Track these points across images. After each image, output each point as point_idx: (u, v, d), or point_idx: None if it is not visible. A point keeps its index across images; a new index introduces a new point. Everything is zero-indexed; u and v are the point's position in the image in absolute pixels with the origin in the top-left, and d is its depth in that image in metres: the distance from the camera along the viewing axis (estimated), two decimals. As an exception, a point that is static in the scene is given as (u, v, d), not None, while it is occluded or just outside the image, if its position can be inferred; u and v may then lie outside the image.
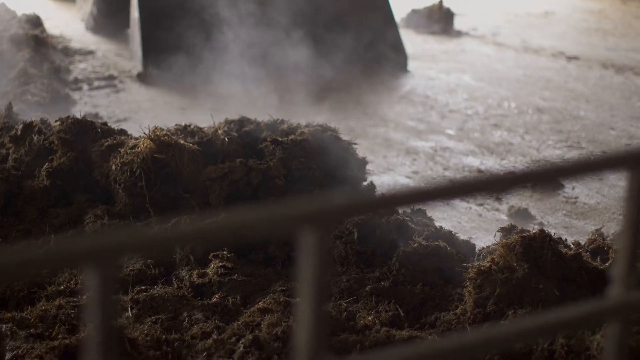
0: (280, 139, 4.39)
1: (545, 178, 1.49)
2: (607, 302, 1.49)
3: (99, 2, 10.14)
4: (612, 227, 5.27)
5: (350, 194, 1.16)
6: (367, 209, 1.16)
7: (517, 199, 5.61)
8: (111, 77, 8.35)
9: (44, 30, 9.32)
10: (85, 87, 8.03)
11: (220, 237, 1.09)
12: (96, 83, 8.16)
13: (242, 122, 4.65)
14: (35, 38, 8.25)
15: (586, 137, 7.15)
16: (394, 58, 8.97)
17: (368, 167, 4.73)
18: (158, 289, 3.70)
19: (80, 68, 8.69)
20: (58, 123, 4.69)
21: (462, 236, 4.48)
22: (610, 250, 3.66)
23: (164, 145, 4.27)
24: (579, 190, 5.83)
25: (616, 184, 5.97)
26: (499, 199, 5.60)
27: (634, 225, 1.46)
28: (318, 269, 1.13)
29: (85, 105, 7.43)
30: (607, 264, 3.59)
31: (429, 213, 4.59)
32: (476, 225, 5.17)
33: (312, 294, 1.14)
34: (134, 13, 8.36)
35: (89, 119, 5.09)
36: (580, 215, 5.43)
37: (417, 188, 1.16)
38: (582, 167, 1.50)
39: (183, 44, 8.00)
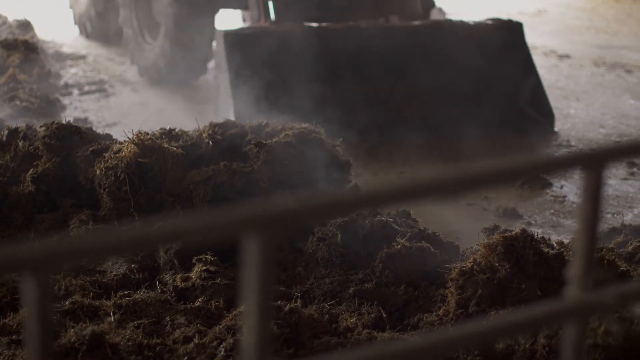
0: (264, 142, 4.39)
1: (502, 179, 1.49)
2: (563, 303, 1.49)
3: (98, 6, 9.92)
4: (600, 225, 5.26)
5: (295, 198, 1.16)
6: (314, 214, 1.16)
7: (505, 198, 5.61)
8: (102, 82, 8.35)
9: (34, 36, 9.31)
10: (75, 91, 8.03)
11: (165, 242, 1.09)
12: (86, 87, 8.16)
13: (227, 125, 4.64)
14: (26, 43, 8.25)
15: (576, 135, 7.15)
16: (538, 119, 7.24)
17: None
18: (141, 293, 3.70)
19: (71, 73, 8.69)
20: (43, 129, 4.69)
21: (449, 237, 4.48)
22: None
23: (148, 149, 4.27)
24: (567, 189, 5.83)
25: (604, 182, 5.96)
26: (487, 198, 5.60)
27: (590, 226, 1.46)
28: (261, 275, 1.12)
29: (75, 110, 7.43)
30: (589, 263, 3.58)
31: (414, 214, 4.59)
32: (463, 225, 5.17)
33: (256, 300, 1.14)
34: (224, 74, 6.79)
35: (74, 124, 5.10)
36: (567, 214, 5.43)
37: (368, 192, 1.16)
38: (538, 167, 1.50)
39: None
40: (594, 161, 1.42)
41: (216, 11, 8.21)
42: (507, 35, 7.39)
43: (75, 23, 10.59)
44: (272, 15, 7.41)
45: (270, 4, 7.41)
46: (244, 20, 10.31)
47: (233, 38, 6.74)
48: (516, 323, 1.47)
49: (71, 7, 10.77)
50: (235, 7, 8.81)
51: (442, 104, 7.01)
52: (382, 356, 1.34)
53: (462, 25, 7.49)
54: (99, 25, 10.11)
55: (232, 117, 6.18)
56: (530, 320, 1.47)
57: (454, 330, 1.43)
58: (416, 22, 7.48)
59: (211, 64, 8.15)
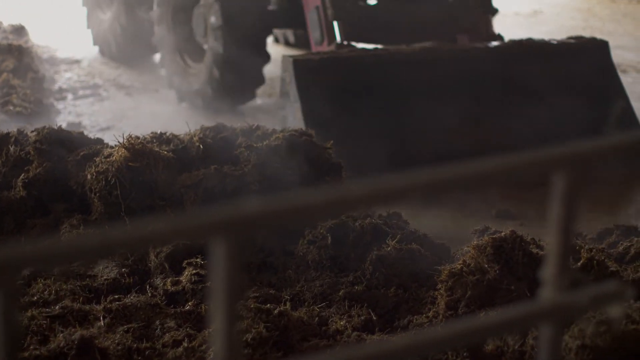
0: (255, 145, 4.39)
1: (479, 181, 1.48)
2: (539, 304, 1.49)
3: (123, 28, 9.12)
4: (594, 225, 5.26)
5: (262, 202, 1.16)
6: (281, 218, 1.16)
7: (499, 199, 5.60)
8: (96, 86, 8.35)
9: (28, 40, 9.32)
10: (69, 96, 8.03)
11: (129, 248, 1.09)
12: (81, 92, 8.15)
13: (218, 128, 4.64)
14: (19, 48, 8.25)
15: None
16: None
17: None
18: (131, 297, 3.70)
19: (65, 77, 8.69)
20: (34, 134, 4.70)
21: (441, 238, 4.48)
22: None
23: (139, 153, 4.27)
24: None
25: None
26: (480, 199, 5.59)
27: (563, 227, 1.46)
28: (228, 278, 1.12)
29: (69, 114, 7.43)
30: (578, 264, 3.59)
31: (406, 215, 4.59)
32: (456, 226, 5.16)
33: (222, 303, 1.14)
34: (294, 104, 6.09)
35: (67, 128, 5.10)
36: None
37: (333, 195, 1.16)
38: (509, 168, 1.50)
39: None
40: (568, 162, 1.42)
41: (268, 33, 7.80)
42: (593, 55, 6.92)
43: (95, 43, 9.68)
44: (338, 37, 6.77)
45: (336, 25, 6.79)
46: (277, 39, 9.69)
47: (303, 65, 6.09)
48: (491, 325, 1.47)
49: (89, 27, 9.75)
50: (289, 28, 8.33)
51: (526, 131, 6.32)
52: (357, 357, 1.34)
53: (545, 46, 6.92)
54: (125, 45, 9.23)
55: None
56: (505, 322, 1.47)
57: (428, 332, 1.43)
58: (494, 44, 6.90)
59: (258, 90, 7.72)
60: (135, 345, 3.33)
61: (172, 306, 3.67)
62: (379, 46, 6.95)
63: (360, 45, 6.88)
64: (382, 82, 6.22)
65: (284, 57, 6.24)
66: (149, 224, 1.15)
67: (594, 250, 3.65)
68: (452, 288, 3.46)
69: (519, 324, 1.54)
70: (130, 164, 4.25)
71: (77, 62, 9.31)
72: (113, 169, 4.27)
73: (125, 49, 9.23)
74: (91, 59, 9.45)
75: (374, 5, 7.15)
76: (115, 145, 4.39)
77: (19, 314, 1.05)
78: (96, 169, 4.33)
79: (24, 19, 10.52)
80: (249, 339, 3.22)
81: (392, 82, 6.23)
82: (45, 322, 3.50)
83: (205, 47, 7.66)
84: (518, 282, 3.45)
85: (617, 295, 1.51)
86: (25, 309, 3.61)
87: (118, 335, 3.39)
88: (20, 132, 4.83)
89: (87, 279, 3.92)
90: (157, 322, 3.53)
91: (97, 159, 4.38)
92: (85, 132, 5.63)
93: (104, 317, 3.55)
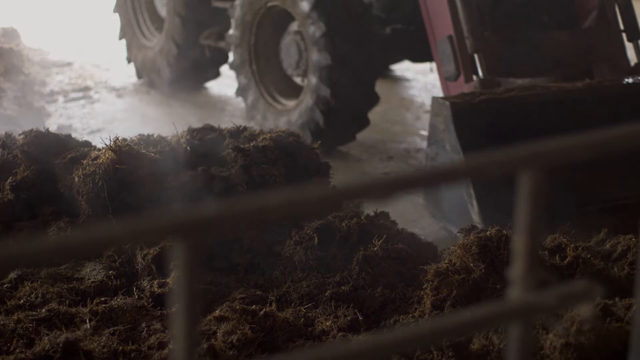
0: (241, 146, 4.39)
1: (443, 181, 1.49)
2: (507, 304, 1.49)
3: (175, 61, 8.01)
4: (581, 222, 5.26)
5: (221, 204, 1.16)
6: (240, 220, 1.16)
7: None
8: (87, 88, 8.34)
9: (20, 43, 9.31)
10: (60, 99, 8.03)
11: (86, 251, 1.08)
12: (72, 95, 8.15)
13: (205, 130, 4.64)
14: (10, 51, 8.25)
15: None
16: None
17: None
18: (118, 300, 3.69)
19: (57, 80, 8.69)
20: (22, 137, 4.69)
21: (430, 237, 4.49)
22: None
23: (125, 155, 4.26)
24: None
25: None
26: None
27: (529, 227, 1.46)
28: (187, 280, 1.12)
29: (60, 117, 7.43)
30: (564, 262, 3.59)
31: (398, 213, 4.59)
32: (447, 225, 5.17)
33: (182, 305, 1.14)
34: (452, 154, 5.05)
35: (57, 131, 5.10)
36: (549, 212, 5.41)
37: (289, 197, 1.16)
38: (478, 167, 1.50)
39: None
40: (533, 162, 1.42)
41: (382, 71, 6.85)
42: None
43: (141, 76, 8.54)
44: (480, 72, 5.83)
45: (477, 58, 5.83)
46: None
47: (463, 110, 5.09)
48: (460, 324, 1.47)
49: (131, 59, 8.63)
50: (410, 60, 7.47)
51: None
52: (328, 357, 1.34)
53: None
54: (180, 74, 8.15)
55: (475, 211, 4.84)
56: (474, 321, 1.47)
57: (398, 332, 1.43)
58: None
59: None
60: (121, 348, 3.33)
61: (158, 308, 3.67)
62: (520, 81, 6.17)
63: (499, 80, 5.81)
64: (550, 126, 5.02)
65: (435, 100, 5.27)
66: (110, 226, 1.15)
67: (580, 248, 3.66)
68: (437, 287, 3.46)
69: (488, 323, 1.54)
70: (117, 166, 4.25)
71: (69, 64, 9.30)
72: (100, 171, 4.26)
73: (181, 77, 8.15)
74: (83, 61, 9.44)
75: (512, 34, 6.22)
76: (102, 147, 4.39)
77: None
78: (83, 172, 4.32)
79: (17, 22, 10.52)
80: (234, 340, 3.22)
81: (564, 124, 4.95)
82: (31, 325, 3.49)
83: (300, 81, 6.75)
84: (503, 281, 3.45)
85: (585, 294, 1.51)
86: (11, 313, 3.61)
87: (104, 338, 3.39)
88: (8, 135, 4.83)
89: (74, 282, 3.92)
90: (144, 324, 3.53)
91: (85, 162, 4.38)
92: (76, 135, 5.63)
93: (90, 320, 3.54)
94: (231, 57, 7.44)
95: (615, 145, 1.40)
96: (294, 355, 1.40)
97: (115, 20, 8.92)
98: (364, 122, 6.70)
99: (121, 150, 4.28)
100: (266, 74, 7.06)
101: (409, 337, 1.41)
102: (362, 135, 6.87)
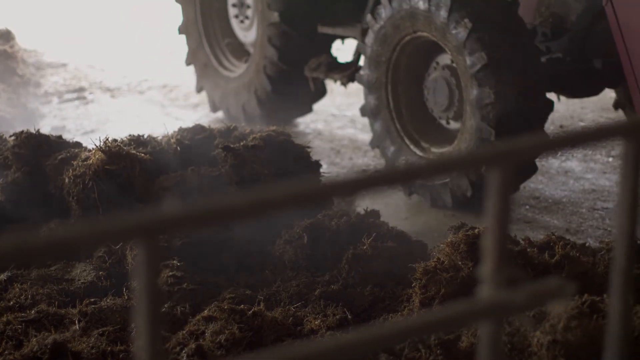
0: (232, 146, 4.38)
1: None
2: (478, 302, 1.49)
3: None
4: (575, 220, 5.27)
5: (183, 206, 1.16)
6: (199, 221, 1.16)
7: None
8: (81, 89, 8.33)
9: (14, 45, 9.30)
10: (55, 100, 8.02)
11: (43, 254, 1.08)
12: (66, 95, 8.14)
13: (196, 130, 4.64)
14: (4, 53, 8.24)
15: (554, 129, 7.15)
16: None
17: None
18: (108, 300, 3.70)
19: (51, 81, 8.67)
20: (12, 138, 4.69)
21: (421, 235, 4.48)
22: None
23: (115, 156, 4.27)
24: (544, 184, 5.83)
25: (582, 176, 5.97)
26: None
27: (498, 224, 1.46)
28: (147, 281, 1.12)
29: (54, 118, 7.42)
30: (553, 259, 3.59)
31: (389, 210, 4.59)
32: (437, 223, 5.16)
33: (143, 306, 1.14)
34: None
35: (50, 132, 5.10)
36: (543, 210, 5.42)
37: (249, 198, 1.16)
38: (448, 165, 1.50)
39: None
40: (500, 159, 1.42)
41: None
42: None
43: (217, 109, 7.19)
44: None
45: None
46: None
47: None
48: (431, 322, 1.47)
49: (202, 87, 7.29)
50: (562, 94, 6.02)
51: None
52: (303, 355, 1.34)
53: None
54: (272, 107, 6.79)
55: None
56: (445, 319, 1.47)
57: (372, 330, 1.43)
58: None
59: None
60: (109, 348, 3.34)
61: (148, 309, 3.67)
62: None
63: None
64: None
65: None
66: (71, 227, 1.15)
67: (569, 246, 3.65)
68: (426, 285, 3.46)
69: (459, 321, 1.54)
70: (107, 167, 4.25)
71: (64, 65, 9.29)
72: (90, 172, 4.26)
73: (271, 114, 6.79)
74: (77, 62, 9.42)
75: None
76: (93, 148, 4.38)
77: None
78: (73, 173, 4.32)
79: (12, 23, 10.50)
80: (222, 340, 3.22)
81: None
82: (20, 326, 3.50)
83: (451, 126, 5.51)
84: (492, 278, 3.45)
85: (557, 292, 1.51)
86: (1, 314, 3.61)
87: (93, 339, 3.39)
88: (-1, 136, 4.83)
89: (64, 283, 3.92)
90: (133, 325, 3.53)
91: (75, 163, 4.38)
92: (70, 136, 5.63)
93: (80, 321, 3.55)
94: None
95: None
96: (279, 351, 1.40)
97: (163, 37, 8.34)
98: (533, 168, 5.38)
99: (111, 151, 4.28)
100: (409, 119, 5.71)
101: (385, 335, 1.41)
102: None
